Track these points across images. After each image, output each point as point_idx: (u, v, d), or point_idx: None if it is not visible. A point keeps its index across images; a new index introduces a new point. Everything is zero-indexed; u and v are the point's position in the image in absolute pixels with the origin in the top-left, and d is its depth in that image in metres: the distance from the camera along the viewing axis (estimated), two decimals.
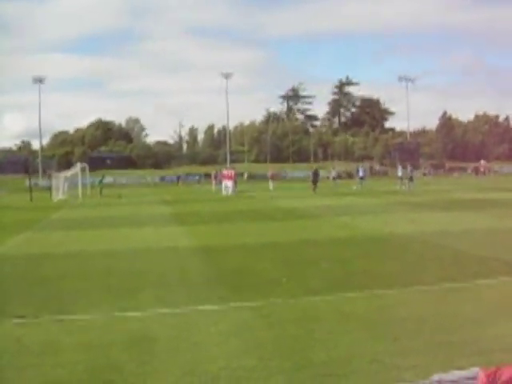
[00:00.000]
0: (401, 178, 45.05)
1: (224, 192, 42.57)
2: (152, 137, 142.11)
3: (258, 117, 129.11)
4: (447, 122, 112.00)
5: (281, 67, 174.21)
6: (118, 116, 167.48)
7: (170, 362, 6.04)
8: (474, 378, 2.40)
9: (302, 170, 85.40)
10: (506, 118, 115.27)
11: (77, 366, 5.98)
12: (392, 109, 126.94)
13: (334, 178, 57.95)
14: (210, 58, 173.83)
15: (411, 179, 43.33)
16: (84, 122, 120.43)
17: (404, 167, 46.65)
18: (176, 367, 5.88)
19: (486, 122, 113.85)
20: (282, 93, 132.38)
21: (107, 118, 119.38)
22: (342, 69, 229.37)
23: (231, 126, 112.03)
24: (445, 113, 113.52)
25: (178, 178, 75.82)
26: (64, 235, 18.81)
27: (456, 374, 2.43)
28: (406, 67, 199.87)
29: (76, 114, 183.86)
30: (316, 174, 43.38)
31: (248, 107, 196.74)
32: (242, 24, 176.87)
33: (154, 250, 14.73)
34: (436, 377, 2.47)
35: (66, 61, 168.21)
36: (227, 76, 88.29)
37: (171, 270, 11.63)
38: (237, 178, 47.75)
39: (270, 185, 50.06)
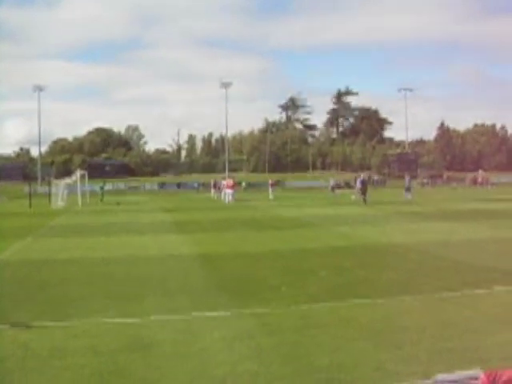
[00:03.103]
0: (407, 189, 43.65)
1: (226, 200, 42.91)
2: (151, 145, 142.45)
3: (257, 126, 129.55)
4: (445, 133, 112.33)
5: (281, 77, 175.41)
6: (118, 124, 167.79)
7: (177, 367, 6.15)
8: (475, 379, 2.52)
9: (301, 180, 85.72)
10: (503, 128, 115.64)
11: (83, 369, 6.09)
12: (390, 119, 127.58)
13: (332, 188, 58.12)
14: (212, 66, 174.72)
15: (409, 189, 43.55)
16: (84, 130, 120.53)
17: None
18: (184, 372, 5.99)
19: (483, 132, 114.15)
20: (282, 102, 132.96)
21: (107, 126, 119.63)
22: (342, 80, 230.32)
23: (230, 134, 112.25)
24: (442, 123, 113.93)
25: (179, 185, 76.87)
26: (64, 242, 18.86)
27: (458, 375, 2.55)
28: (405, 78, 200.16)
29: (76, 122, 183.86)
30: (364, 182, 38.91)
31: (247, 116, 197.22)
32: (244, 34, 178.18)
33: (155, 257, 14.83)
34: (439, 377, 2.59)
35: (69, 68, 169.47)
36: (226, 85, 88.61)
37: (172, 278, 11.72)
38: (236, 186, 48.17)
39: (270, 193, 50.21)
